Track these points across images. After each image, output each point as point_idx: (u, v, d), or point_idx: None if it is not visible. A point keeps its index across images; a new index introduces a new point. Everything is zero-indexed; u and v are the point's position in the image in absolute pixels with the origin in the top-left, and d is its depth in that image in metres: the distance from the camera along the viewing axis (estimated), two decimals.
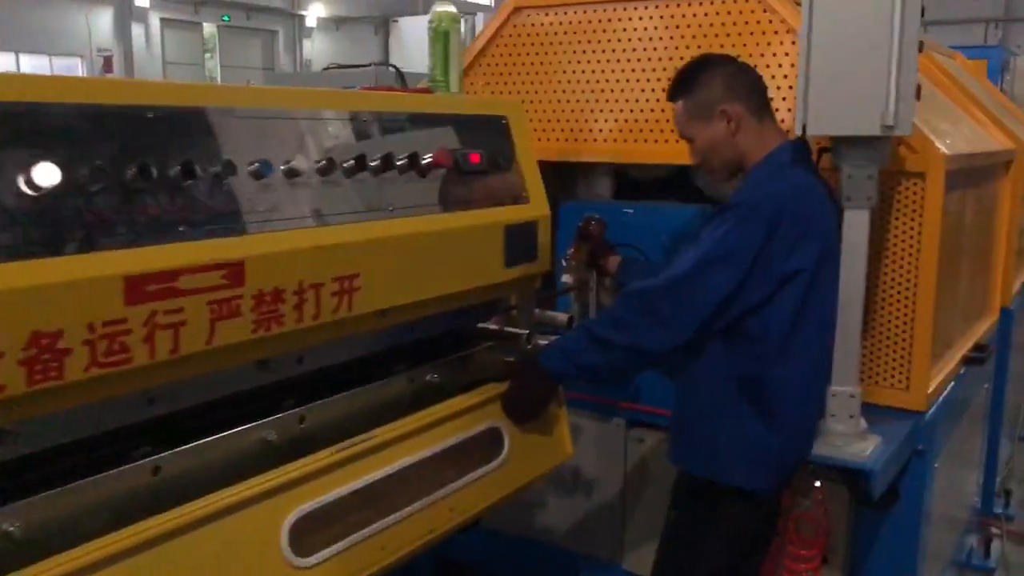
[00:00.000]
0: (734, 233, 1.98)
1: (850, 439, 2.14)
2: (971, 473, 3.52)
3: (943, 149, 2.39)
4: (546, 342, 2.27)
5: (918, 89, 2.05)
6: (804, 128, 1.97)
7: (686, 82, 2.15)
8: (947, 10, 17.00)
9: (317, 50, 24.69)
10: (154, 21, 22.22)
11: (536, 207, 2.12)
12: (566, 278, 2.63)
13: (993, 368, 3.45)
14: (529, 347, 2.26)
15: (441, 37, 2.04)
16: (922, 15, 2.02)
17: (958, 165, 2.51)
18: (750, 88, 2.11)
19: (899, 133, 1.90)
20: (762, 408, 2.06)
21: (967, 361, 2.88)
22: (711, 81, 2.11)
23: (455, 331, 2.16)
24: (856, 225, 2.06)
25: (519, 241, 2.06)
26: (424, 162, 1.81)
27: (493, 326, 2.33)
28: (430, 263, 1.81)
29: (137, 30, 21.74)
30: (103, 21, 20.89)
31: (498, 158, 2.04)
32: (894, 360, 2.46)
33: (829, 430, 2.15)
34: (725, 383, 2.08)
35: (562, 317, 2.48)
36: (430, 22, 2.04)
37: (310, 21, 24.89)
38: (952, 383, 2.73)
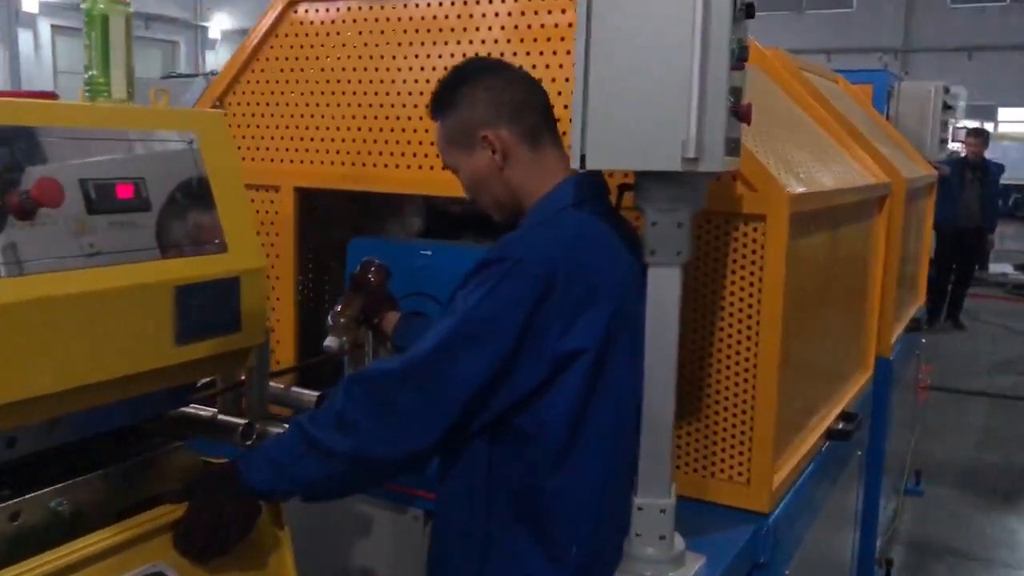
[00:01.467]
0: (491, 298, 1.46)
1: (662, 566, 1.63)
2: (843, 548, 3.08)
3: (789, 187, 1.92)
4: (280, 431, 1.72)
5: (747, 111, 1.57)
6: (583, 160, 1.45)
7: (444, 98, 1.63)
8: (849, 39, 17.33)
9: (222, 60, 23.76)
10: (43, 28, 21.05)
11: (239, 258, 1.55)
12: (330, 341, 2.07)
13: (867, 433, 3.01)
14: (248, 443, 1.70)
15: (98, 24, 1.46)
16: (750, 15, 1.53)
17: (809, 206, 2.05)
18: (523, 107, 1.60)
19: (705, 168, 1.40)
20: (541, 532, 1.54)
21: (830, 435, 2.42)
22: (472, 98, 1.60)
23: (130, 425, 1.58)
24: (664, 286, 1.55)
25: (205, 306, 1.49)
26: (19, 200, 1.23)
27: (205, 411, 1.76)
28: (24, 349, 1.22)
29: (24, 36, 20.55)
30: None
31: (175, 192, 1.48)
32: (731, 448, 1.97)
33: (634, 554, 1.63)
34: (490, 501, 1.54)
35: (310, 396, 1.92)
36: (82, 4, 1.46)
37: (213, 32, 23.87)
38: (810, 466, 2.27)
